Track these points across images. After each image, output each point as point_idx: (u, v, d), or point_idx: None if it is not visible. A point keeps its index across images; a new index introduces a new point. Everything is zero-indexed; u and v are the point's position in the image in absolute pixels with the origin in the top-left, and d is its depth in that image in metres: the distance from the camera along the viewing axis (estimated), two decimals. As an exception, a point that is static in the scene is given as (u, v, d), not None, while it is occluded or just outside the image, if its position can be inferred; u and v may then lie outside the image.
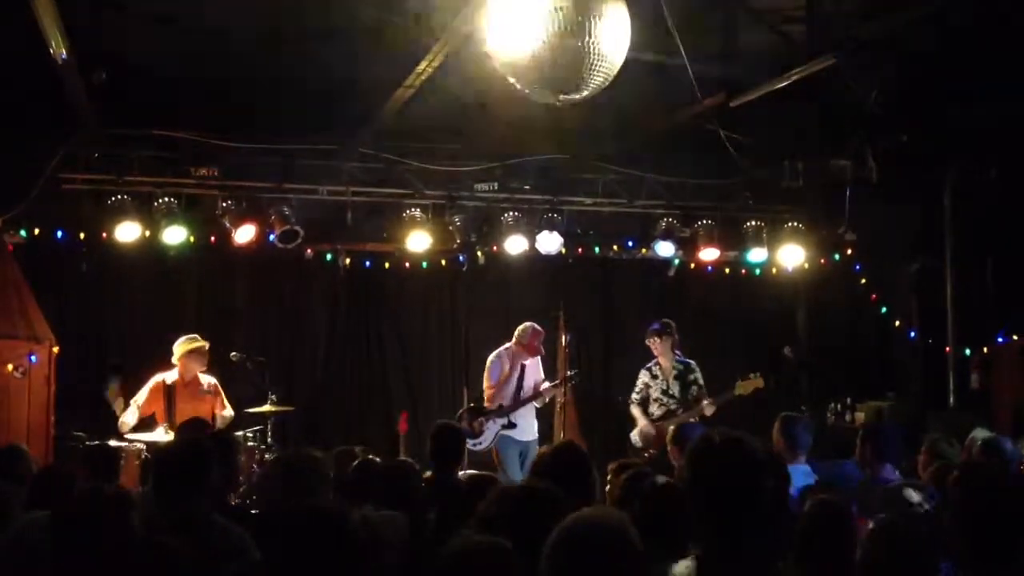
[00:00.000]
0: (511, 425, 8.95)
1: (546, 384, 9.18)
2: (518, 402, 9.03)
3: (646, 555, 2.60)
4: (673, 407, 9.02)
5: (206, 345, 8.67)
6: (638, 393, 9.20)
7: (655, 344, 9.15)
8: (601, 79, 4.86)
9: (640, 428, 9.03)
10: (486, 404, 9.09)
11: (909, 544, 3.58)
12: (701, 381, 9.12)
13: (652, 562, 2.75)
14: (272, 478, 4.04)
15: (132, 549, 3.19)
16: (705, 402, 8.90)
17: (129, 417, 8.38)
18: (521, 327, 9.13)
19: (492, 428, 8.95)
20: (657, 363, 9.18)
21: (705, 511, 2.80)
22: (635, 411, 9.16)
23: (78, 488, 3.93)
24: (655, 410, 9.08)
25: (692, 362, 9.22)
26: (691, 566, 2.86)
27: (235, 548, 3.98)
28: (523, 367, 9.11)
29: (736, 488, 2.76)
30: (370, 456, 5.84)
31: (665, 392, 9.07)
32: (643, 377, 9.21)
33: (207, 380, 8.74)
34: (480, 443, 8.93)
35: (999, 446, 5.41)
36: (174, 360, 8.61)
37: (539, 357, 9.29)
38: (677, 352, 9.20)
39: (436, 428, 6.03)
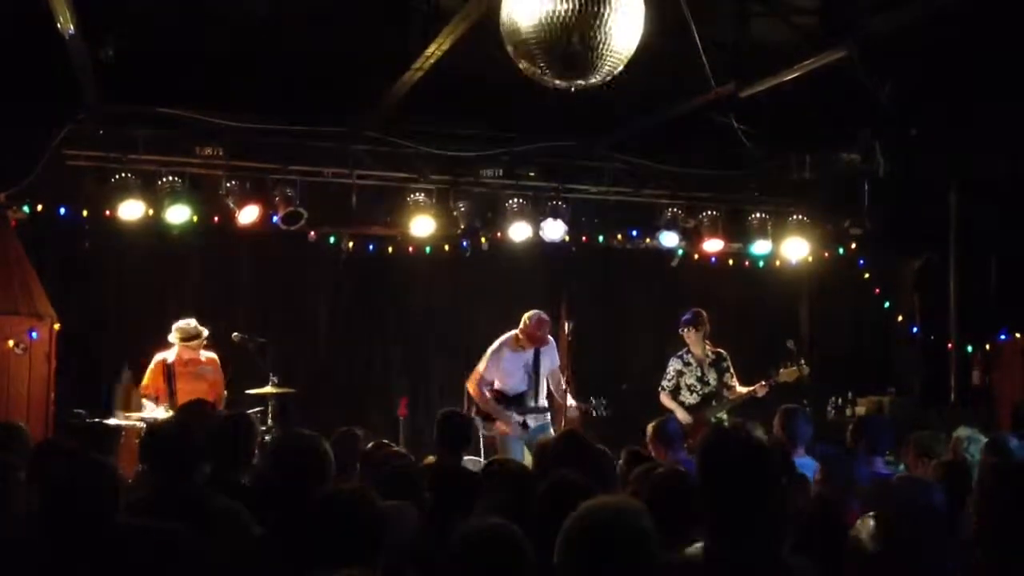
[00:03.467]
0: (524, 426, 8.78)
1: (571, 403, 9.00)
2: (541, 407, 8.89)
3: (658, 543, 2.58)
4: (708, 394, 9.00)
5: (203, 331, 8.64)
6: (669, 381, 9.12)
7: (688, 334, 9.10)
8: (613, 65, 4.82)
9: (681, 420, 8.88)
10: (470, 388, 8.98)
11: (906, 539, 3.56)
12: (732, 369, 9.12)
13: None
14: (276, 460, 4.03)
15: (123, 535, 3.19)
16: (757, 385, 8.90)
17: (148, 402, 8.41)
18: (528, 314, 8.96)
19: (513, 420, 8.90)
20: (688, 351, 9.13)
21: (716, 505, 2.78)
22: (668, 401, 9.06)
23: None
24: (688, 397, 9.03)
25: (723, 351, 9.19)
26: (697, 555, 2.84)
27: (234, 525, 3.97)
28: (538, 355, 8.98)
29: (750, 486, 2.74)
30: (384, 442, 5.82)
31: (700, 379, 9.04)
32: (674, 365, 9.13)
33: (206, 355, 8.73)
34: (493, 430, 8.88)
35: (1004, 444, 5.41)
36: (170, 339, 8.60)
37: (554, 345, 9.14)
38: (708, 342, 9.16)
39: (442, 415, 6.00)
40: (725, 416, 8.96)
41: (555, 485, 3.66)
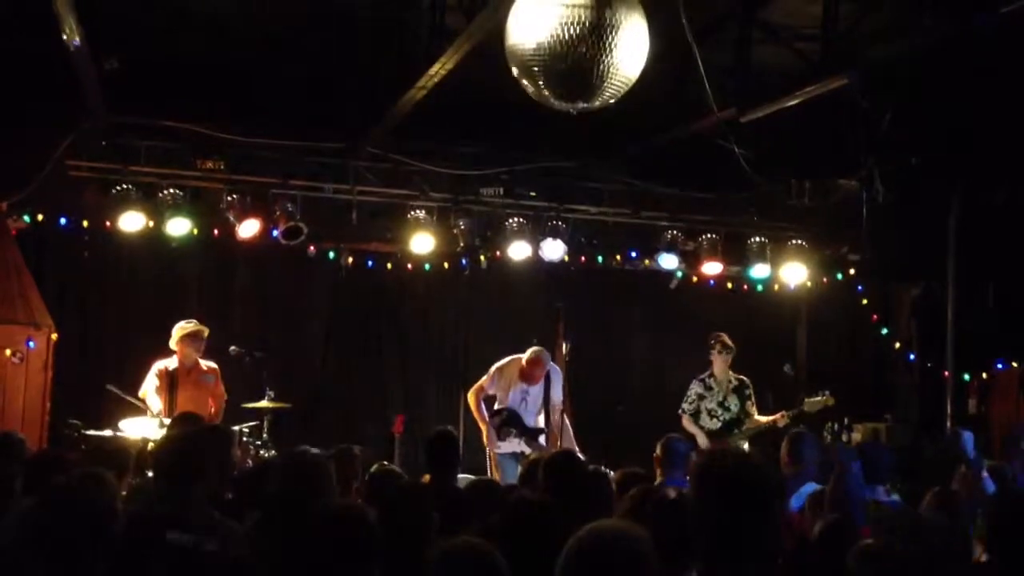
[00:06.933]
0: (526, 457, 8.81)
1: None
2: (547, 447, 8.82)
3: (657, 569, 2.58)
4: (730, 420, 8.94)
5: (204, 330, 8.62)
6: (690, 404, 9.06)
7: (716, 356, 9.05)
8: (616, 89, 4.86)
9: (700, 444, 8.76)
10: (470, 397, 9.03)
11: (899, 565, 3.57)
12: (753, 397, 9.07)
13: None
14: (277, 475, 4.03)
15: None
16: (779, 415, 8.86)
17: (155, 406, 8.31)
18: (531, 349, 8.98)
19: (513, 445, 8.84)
20: (711, 375, 9.09)
21: (710, 530, 2.78)
22: (690, 425, 8.96)
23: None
24: (708, 423, 8.96)
25: (746, 379, 9.15)
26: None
27: (228, 541, 3.96)
28: (548, 384, 8.97)
29: (745, 511, 2.74)
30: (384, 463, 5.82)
31: (721, 404, 8.98)
32: (695, 388, 9.08)
33: (208, 365, 8.70)
34: (498, 448, 8.88)
35: (1003, 473, 5.41)
36: (172, 345, 8.56)
37: (560, 374, 9.14)
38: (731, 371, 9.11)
39: (434, 435, 6.00)
40: (746, 444, 8.86)
41: (516, 505, 3.65)
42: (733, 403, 8.98)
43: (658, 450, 6.46)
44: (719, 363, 9.06)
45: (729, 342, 9.09)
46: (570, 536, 2.67)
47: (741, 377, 9.13)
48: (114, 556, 3.53)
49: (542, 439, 8.91)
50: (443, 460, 5.86)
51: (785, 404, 9.41)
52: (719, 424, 8.95)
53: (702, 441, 8.74)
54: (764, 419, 8.91)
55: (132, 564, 3.54)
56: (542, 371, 8.94)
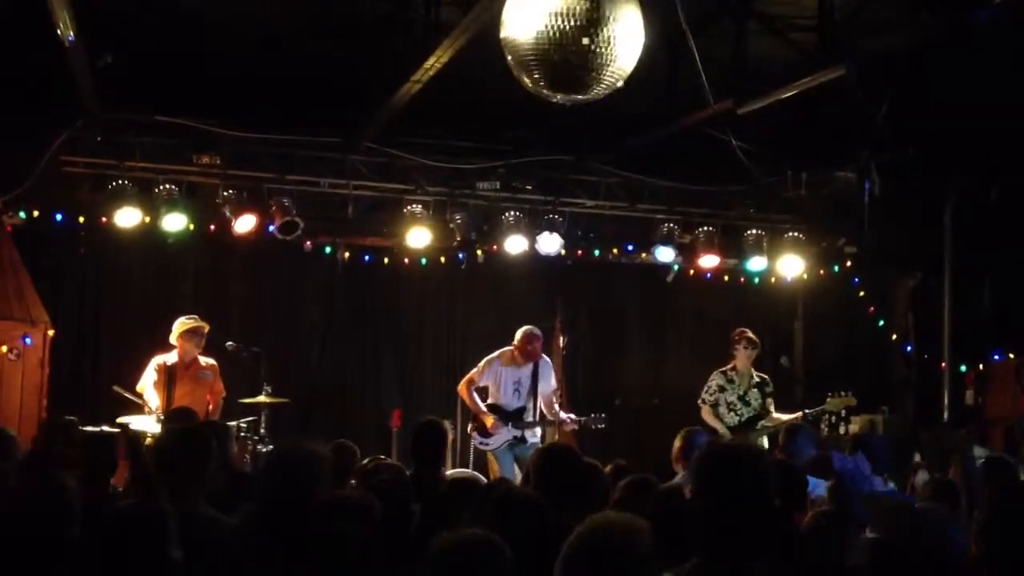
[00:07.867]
0: (521, 440, 8.76)
1: (569, 417, 8.94)
2: (535, 421, 8.85)
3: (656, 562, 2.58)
4: (751, 416, 8.89)
5: (205, 327, 8.60)
6: (710, 395, 8.98)
7: (740, 352, 9.01)
8: (611, 81, 4.84)
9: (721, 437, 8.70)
10: (460, 388, 9.01)
11: (901, 558, 3.56)
12: (773, 396, 9.05)
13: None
14: (272, 469, 4.02)
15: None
16: (801, 412, 8.86)
17: (153, 401, 8.29)
18: (520, 330, 8.94)
19: (503, 435, 8.81)
20: (734, 368, 9.02)
21: (709, 521, 2.77)
22: (710, 417, 8.90)
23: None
24: (727, 416, 8.90)
25: (767, 377, 9.13)
26: (689, 571, 2.83)
27: (224, 539, 3.96)
28: (535, 374, 8.95)
29: (743, 502, 2.73)
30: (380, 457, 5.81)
31: (742, 399, 8.92)
32: (716, 380, 9.00)
33: (207, 361, 8.67)
34: (488, 444, 8.83)
35: (1001, 464, 5.42)
36: (172, 340, 8.53)
37: (551, 368, 9.12)
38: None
39: (419, 426, 5.94)
40: (766, 441, 8.76)
41: (502, 500, 3.64)
42: (754, 398, 8.93)
43: (678, 442, 6.26)
44: (742, 358, 9.01)
45: (754, 338, 9.05)
46: (560, 529, 2.67)
47: (763, 375, 9.11)
48: (103, 554, 3.52)
49: (527, 416, 8.86)
50: (427, 452, 5.80)
51: (781, 396, 9.42)
52: (737, 419, 8.88)
53: (723, 433, 8.71)
54: (784, 417, 8.85)
55: (128, 561, 3.51)
56: (538, 343, 8.89)
